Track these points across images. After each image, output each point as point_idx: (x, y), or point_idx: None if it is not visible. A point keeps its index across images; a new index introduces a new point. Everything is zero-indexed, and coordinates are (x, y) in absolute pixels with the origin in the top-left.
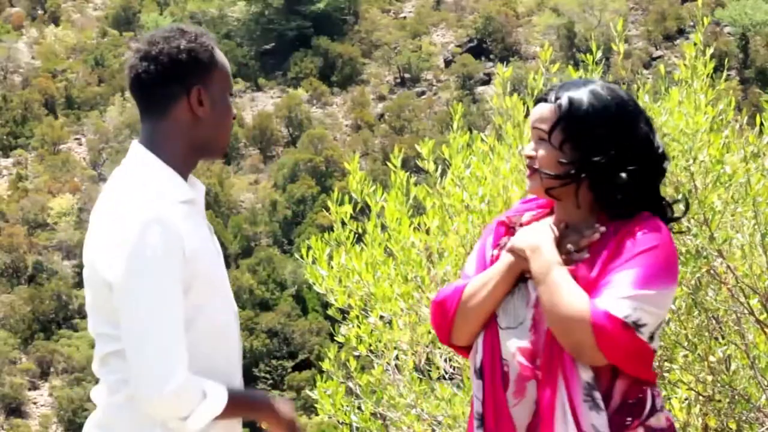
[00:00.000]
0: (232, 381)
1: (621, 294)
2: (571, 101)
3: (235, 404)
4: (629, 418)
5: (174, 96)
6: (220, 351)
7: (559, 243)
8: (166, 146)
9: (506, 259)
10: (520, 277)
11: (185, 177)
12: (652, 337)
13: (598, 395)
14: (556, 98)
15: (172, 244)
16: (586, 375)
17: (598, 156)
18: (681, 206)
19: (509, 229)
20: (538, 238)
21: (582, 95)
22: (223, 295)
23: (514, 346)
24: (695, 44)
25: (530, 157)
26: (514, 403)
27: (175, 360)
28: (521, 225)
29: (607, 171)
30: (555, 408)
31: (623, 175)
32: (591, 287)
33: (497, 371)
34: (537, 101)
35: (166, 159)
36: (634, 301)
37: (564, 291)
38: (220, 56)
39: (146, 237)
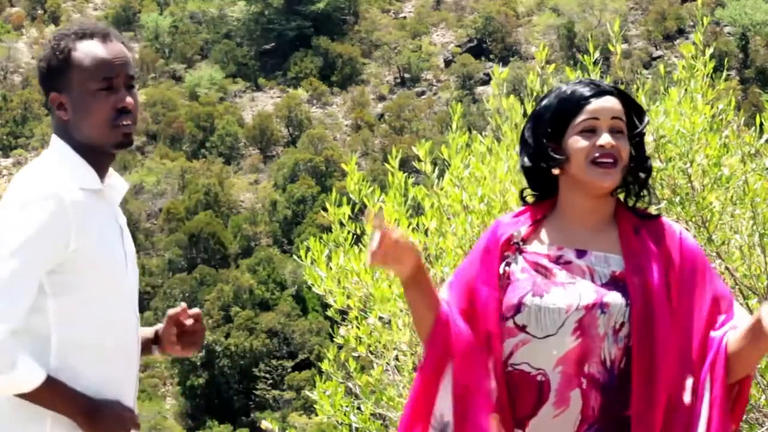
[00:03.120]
0: (119, 386)
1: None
2: (632, 96)
3: (52, 395)
4: None
5: (47, 101)
6: (110, 351)
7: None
8: (66, 140)
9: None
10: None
11: (99, 167)
12: None
13: None
14: (617, 92)
15: (59, 222)
16: None
17: (645, 152)
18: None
19: (512, 245)
20: None
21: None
22: (121, 300)
23: (557, 353)
24: (694, 44)
25: (612, 147)
26: (555, 413)
27: None
28: (523, 240)
29: (650, 166)
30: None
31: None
32: (658, 295)
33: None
34: (593, 94)
35: (74, 148)
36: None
37: None
38: (83, 51)
39: (38, 206)
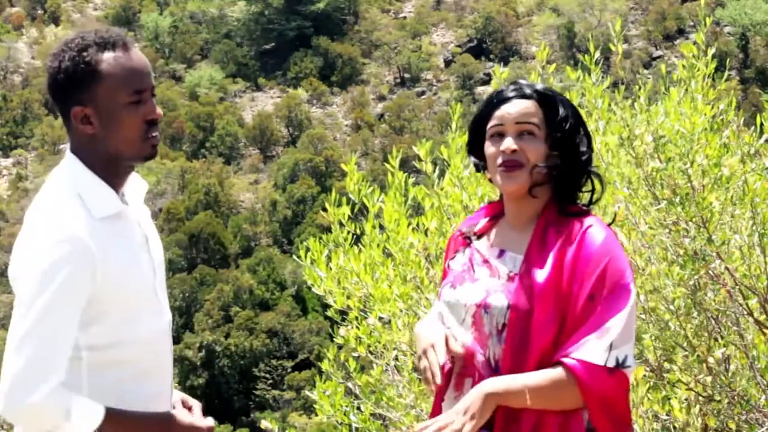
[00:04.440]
0: (161, 390)
1: (606, 342)
2: (554, 97)
3: (118, 426)
4: None
5: (64, 114)
6: (147, 362)
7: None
8: (84, 157)
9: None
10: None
11: (117, 183)
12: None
13: None
14: (536, 94)
15: (80, 264)
16: None
17: (579, 150)
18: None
19: (464, 239)
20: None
21: (556, 94)
22: (153, 308)
23: (460, 342)
24: (695, 44)
25: (514, 151)
26: (455, 395)
27: (43, 373)
28: (475, 234)
29: (583, 165)
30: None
31: (582, 174)
32: (543, 292)
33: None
34: (506, 98)
35: (91, 168)
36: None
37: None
38: (111, 63)
39: (54, 254)
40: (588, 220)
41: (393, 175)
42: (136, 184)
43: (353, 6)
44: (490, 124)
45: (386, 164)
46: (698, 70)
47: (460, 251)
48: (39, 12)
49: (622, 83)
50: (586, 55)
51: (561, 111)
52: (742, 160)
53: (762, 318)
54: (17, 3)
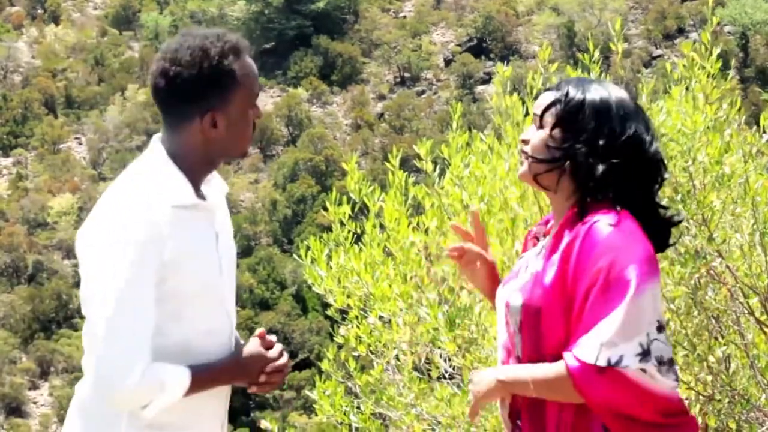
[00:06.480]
0: (218, 389)
1: (598, 340)
2: (569, 89)
3: (200, 382)
4: None
5: (188, 116)
6: (206, 355)
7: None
8: (180, 154)
9: None
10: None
11: (199, 179)
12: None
13: None
14: (558, 87)
15: (152, 244)
16: None
17: (584, 144)
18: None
19: (535, 239)
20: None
21: (583, 85)
22: (215, 305)
23: (497, 341)
24: (702, 43)
25: (524, 142)
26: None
27: (137, 352)
28: (545, 234)
29: (588, 161)
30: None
31: (601, 167)
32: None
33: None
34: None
35: (180, 164)
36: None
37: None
38: (244, 70)
39: (129, 230)
40: (599, 216)
41: (393, 174)
42: (218, 184)
43: (353, 5)
44: None
45: (386, 163)
46: (702, 68)
47: (529, 250)
48: (39, 11)
49: (622, 82)
50: (585, 54)
51: (570, 95)
52: (744, 159)
53: (763, 317)
54: (17, 2)
